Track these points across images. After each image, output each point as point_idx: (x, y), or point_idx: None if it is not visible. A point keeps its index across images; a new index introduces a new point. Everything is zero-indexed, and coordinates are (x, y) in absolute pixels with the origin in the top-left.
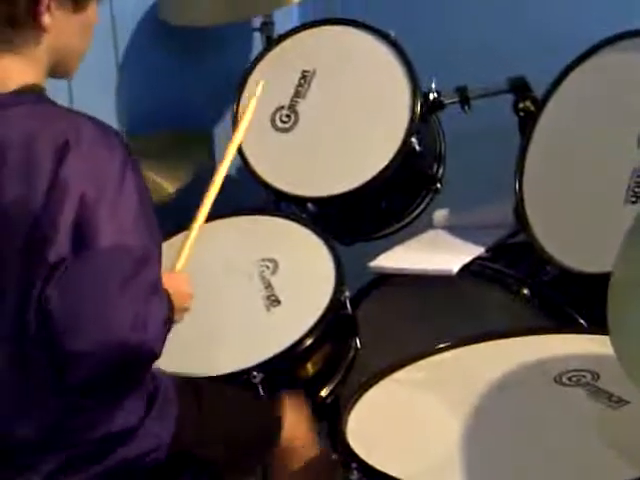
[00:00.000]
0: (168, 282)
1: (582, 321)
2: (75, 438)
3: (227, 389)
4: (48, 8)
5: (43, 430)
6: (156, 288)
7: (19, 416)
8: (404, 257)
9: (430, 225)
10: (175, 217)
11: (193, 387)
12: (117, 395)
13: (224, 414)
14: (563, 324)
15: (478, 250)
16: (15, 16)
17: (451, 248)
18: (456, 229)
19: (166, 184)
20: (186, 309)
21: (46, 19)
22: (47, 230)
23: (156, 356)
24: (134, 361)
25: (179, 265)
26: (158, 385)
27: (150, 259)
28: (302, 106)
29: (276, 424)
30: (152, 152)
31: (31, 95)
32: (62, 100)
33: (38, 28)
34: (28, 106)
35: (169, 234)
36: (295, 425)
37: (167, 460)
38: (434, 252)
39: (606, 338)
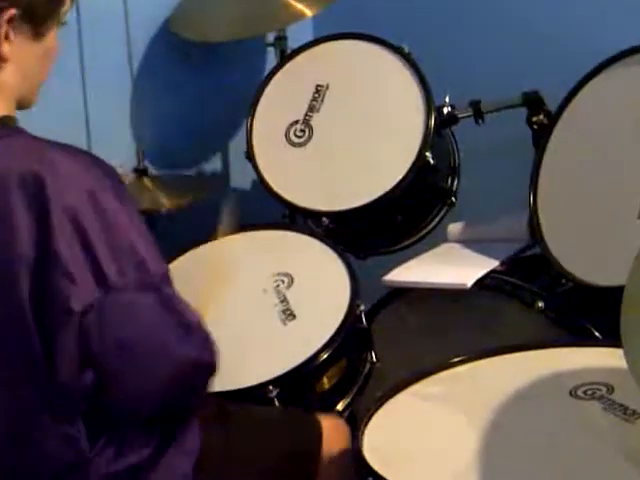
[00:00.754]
0: None
1: (597, 334)
2: (94, 472)
3: (256, 409)
4: (6, 36)
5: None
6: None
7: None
8: (418, 271)
9: (444, 239)
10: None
11: (220, 412)
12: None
13: (254, 437)
14: (578, 337)
15: (492, 263)
16: None
17: (465, 262)
18: (470, 242)
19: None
20: None
21: (5, 48)
22: (58, 280)
23: (211, 366)
24: (195, 376)
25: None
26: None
27: (168, 278)
28: (316, 121)
29: (314, 442)
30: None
31: (8, 127)
32: (77, 115)
33: None
34: (9, 140)
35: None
36: (334, 444)
37: None
38: (448, 266)
39: (621, 351)
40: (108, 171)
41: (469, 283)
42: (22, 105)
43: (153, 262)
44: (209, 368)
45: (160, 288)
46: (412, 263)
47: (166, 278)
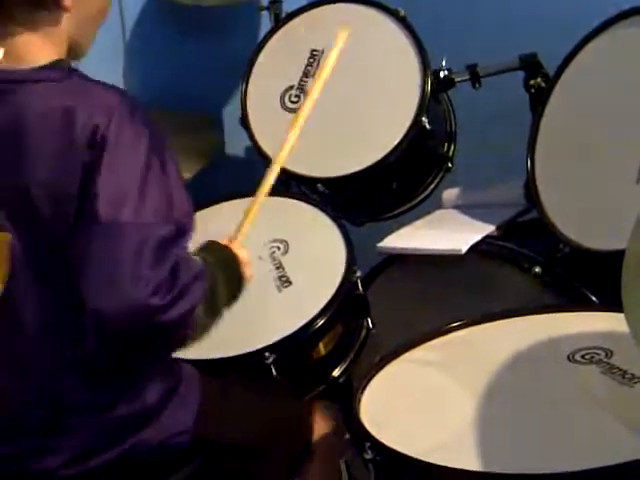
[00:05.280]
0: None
1: (594, 298)
2: (93, 418)
3: (257, 384)
4: None
5: (60, 408)
6: (187, 264)
7: (39, 394)
8: (413, 237)
9: (439, 205)
10: None
11: (219, 381)
12: (141, 368)
13: (253, 406)
14: (575, 302)
15: (488, 229)
16: None
17: (460, 227)
18: (465, 208)
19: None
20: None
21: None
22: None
23: (179, 325)
24: (156, 328)
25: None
26: (181, 372)
27: (184, 234)
28: (312, 86)
29: (308, 425)
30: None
31: (60, 70)
32: None
33: (59, 8)
34: (56, 82)
35: None
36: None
37: (191, 448)
38: (443, 232)
39: (619, 315)
40: (150, 121)
41: (464, 249)
42: (75, 53)
43: (167, 217)
44: (166, 326)
45: (159, 240)
46: (406, 229)
47: (179, 233)
